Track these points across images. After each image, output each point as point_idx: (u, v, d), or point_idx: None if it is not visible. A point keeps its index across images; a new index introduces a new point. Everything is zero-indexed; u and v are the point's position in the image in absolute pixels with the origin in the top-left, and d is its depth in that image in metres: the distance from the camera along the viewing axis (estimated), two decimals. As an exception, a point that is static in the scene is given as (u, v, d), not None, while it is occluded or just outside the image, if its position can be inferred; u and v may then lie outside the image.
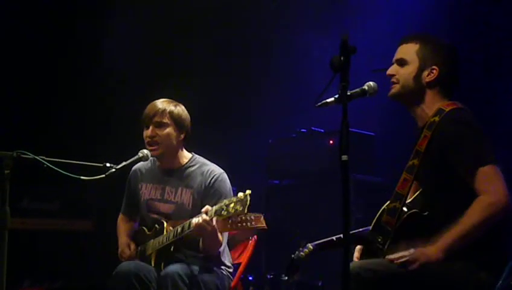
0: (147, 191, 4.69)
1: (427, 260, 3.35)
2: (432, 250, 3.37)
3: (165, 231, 4.46)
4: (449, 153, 3.48)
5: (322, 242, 3.96)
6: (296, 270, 3.93)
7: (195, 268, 4.33)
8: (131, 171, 4.77)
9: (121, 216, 4.88)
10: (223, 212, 4.07)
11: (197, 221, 4.19)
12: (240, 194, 4.04)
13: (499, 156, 3.49)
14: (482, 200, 3.36)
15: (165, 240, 4.43)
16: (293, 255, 3.93)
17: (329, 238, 3.93)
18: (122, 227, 4.85)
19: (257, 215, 4.22)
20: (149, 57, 7.65)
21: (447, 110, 3.57)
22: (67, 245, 6.83)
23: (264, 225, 4.25)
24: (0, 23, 7.20)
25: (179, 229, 4.34)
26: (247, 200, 3.99)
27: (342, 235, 3.78)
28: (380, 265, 3.41)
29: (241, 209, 4.00)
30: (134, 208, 4.76)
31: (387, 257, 3.44)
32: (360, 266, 3.40)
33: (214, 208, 4.14)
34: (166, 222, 4.50)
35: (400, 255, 3.39)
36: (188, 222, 4.28)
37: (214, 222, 4.15)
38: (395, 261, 3.37)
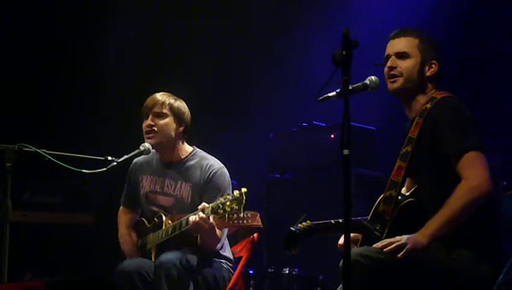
0: (147, 184, 4.70)
1: (414, 246, 3.39)
2: (418, 237, 3.41)
3: (163, 226, 4.46)
4: (437, 136, 3.52)
5: (319, 223, 3.97)
6: (294, 243, 3.92)
7: (193, 257, 4.33)
8: (131, 164, 4.77)
9: (121, 208, 4.89)
10: (219, 210, 4.08)
11: (193, 219, 4.19)
12: (236, 192, 4.05)
13: (495, 144, 3.51)
14: (464, 185, 3.41)
15: (164, 235, 4.43)
16: (291, 228, 3.94)
17: (327, 221, 3.94)
18: (123, 218, 4.86)
19: (254, 213, 4.22)
20: (150, 51, 7.65)
21: (439, 97, 3.62)
22: (68, 238, 6.84)
23: (260, 223, 4.26)
24: (2, 20, 7.20)
25: (177, 226, 4.34)
26: (242, 199, 4.00)
27: (340, 220, 3.81)
28: (380, 252, 3.43)
29: (236, 207, 4.01)
30: (135, 200, 4.77)
31: (374, 245, 3.47)
32: (360, 253, 3.42)
33: (211, 205, 4.14)
34: (165, 216, 4.50)
35: (387, 242, 3.42)
36: (185, 218, 4.29)
37: (211, 220, 4.16)
38: (384, 250, 3.40)
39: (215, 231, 4.28)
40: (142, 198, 4.71)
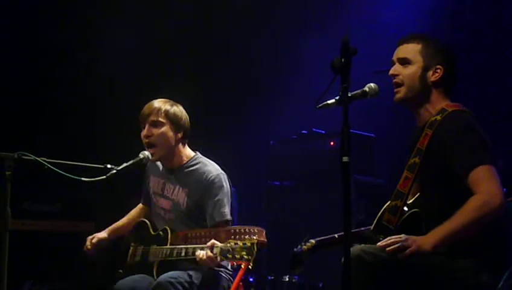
0: (152, 184, 4.74)
1: (417, 249, 3.39)
2: (423, 242, 3.41)
3: (168, 243, 4.41)
4: (447, 152, 3.50)
5: (323, 239, 3.96)
6: (298, 264, 3.92)
7: (194, 275, 4.32)
8: (148, 162, 4.75)
9: (139, 204, 4.91)
10: (228, 254, 3.99)
11: (201, 256, 4.11)
12: (248, 242, 3.95)
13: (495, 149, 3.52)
14: (476, 199, 3.40)
15: (168, 255, 4.37)
16: (295, 249, 3.93)
17: (331, 235, 3.93)
18: (131, 213, 4.90)
19: (260, 229, 4.18)
20: (149, 58, 7.65)
21: (450, 110, 3.60)
22: (68, 247, 6.82)
23: (265, 239, 4.22)
24: (3, 29, 7.22)
25: (182, 252, 4.27)
26: (254, 250, 3.91)
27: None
28: (382, 251, 3.43)
29: (247, 257, 3.92)
30: (149, 197, 4.80)
31: (378, 243, 3.47)
32: (362, 249, 3.43)
33: (221, 246, 4.04)
34: (171, 231, 4.45)
35: (392, 241, 3.42)
36: (192, 248, 4.22)
37: (219, 259, 4.07)
38: (387, 249, 3.40)
39: (220, 265, 4.26)
40: (150, 197, 4.76)
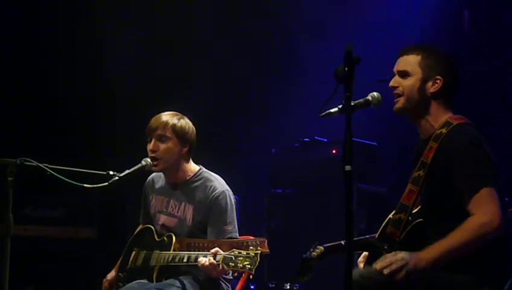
0: (155, 203, 4.68)
1: (414, 268, 3.35)
2: (420, 259, 3.37)
3: (171, 249, 4.40)
4: (452, 166, 3.48)
5: (330, 245, 3.95)
6: (308, 270, 3.90)
7: (184, 282, 4.33)
8: (147, 180, 4.77)
9: (140, 226, 4.86)
10: (230, 263, 4.00)
11: (203, 262, 4.12)
12: (252, 253, 3.97)
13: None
14: (476, 218, 3.38)
15: (170, 260, 4.36)
16: (304, 255, 3.91)
17: (337, 242, 3.92)
18: None
19: (262, 239, 4.17)
20: (154, 66, 7.66)
21: (455, 123, 3.57)
22: (70, 252, 6.83)
23: (268, 250, 4.21)
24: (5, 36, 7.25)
25: (185, 258, 4.28)
26: (257, 260, 3.93)
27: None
28: (380, 273, 3.38)
29: (249, 267, 3.94)
30: (150, 217, 4.75)
31: (373, 265, 3.43)
32: (360, 274, 3.41)
33: (224, 254, 4.05)
34: (175, 237, 4.46)
35: (388, 262, 3.38)
36: (195, 255, 4.23)
37: (221, 267, 4.07)
38: (384, 272, 3.36)
39: (222, 273, 4.26)
40: (151, 217, 4.70)
